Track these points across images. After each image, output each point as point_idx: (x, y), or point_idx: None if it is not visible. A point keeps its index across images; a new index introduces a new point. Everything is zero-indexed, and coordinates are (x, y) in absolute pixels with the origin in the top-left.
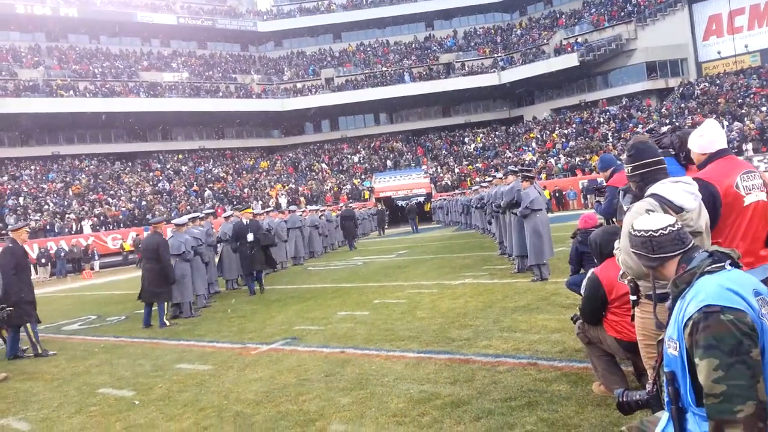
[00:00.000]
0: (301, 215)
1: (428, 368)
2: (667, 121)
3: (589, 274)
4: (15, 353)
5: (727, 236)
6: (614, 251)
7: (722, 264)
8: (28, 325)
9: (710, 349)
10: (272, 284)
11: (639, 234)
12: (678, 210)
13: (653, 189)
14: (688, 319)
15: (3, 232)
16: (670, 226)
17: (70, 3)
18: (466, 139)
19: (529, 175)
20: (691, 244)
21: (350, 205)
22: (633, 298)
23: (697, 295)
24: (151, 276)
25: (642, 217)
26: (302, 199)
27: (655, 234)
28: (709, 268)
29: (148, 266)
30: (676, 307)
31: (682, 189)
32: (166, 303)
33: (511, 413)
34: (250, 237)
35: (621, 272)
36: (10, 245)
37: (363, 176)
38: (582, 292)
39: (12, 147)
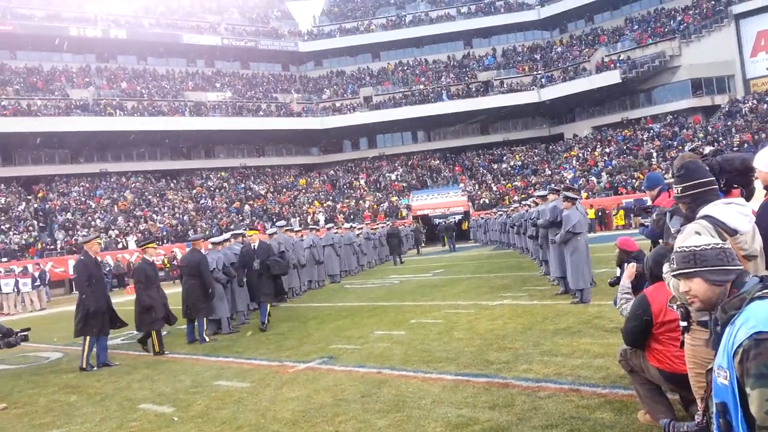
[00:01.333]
0: (337, 232)
1: (466, 392)
2: (715, 138)
3: (638, 295)
4: (104, 361)
5: None
6: (663, 275)
7: None
8: (88, 338)
9: (762, 378)
10: (309, 302)
11: (710, 247)
12: (732, 233)
13: (706, 210)
14: (738, 346)
15: (51, 247)
16: (714, 244)
17: (119, 25)
18: (505, 157)
19: (571, 196)
20: (741, 267)
21: (396, 222)
22: (683, 324)
23: (747, 321)
24: (192, 292)
25: (694, 238)
26: (340, 216)
27: (725, 245)
28: (760, 293)
29: (190, 282)
30: (726, 333)
31: (735, 211)
32: (205, 319)
33: None
34: (255, 264)
35: (671, 297)
36: (83, 258)
37: (400, 194)
38: (628, 312)
39: (62, 164)
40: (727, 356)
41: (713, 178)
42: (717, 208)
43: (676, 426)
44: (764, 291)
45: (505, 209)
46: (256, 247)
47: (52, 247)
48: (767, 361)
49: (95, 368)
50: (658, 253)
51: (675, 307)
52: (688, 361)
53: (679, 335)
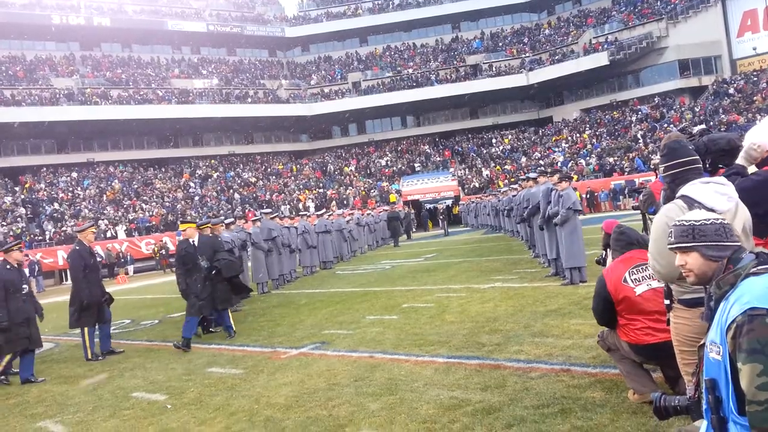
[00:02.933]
0: (329, 218)
1: (458, 374)
2: (702, 118)
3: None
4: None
5: None
6: (649, 252)
7: None
8: (86, 329)
9: (754, 354)
10: (301, 288)
11: (709, 222)
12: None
13: (683, 190)
14: (732, 321)
15: (39, 238)
16: (714, 219)
17: (103, 13)
18: (494, 141)
19: (568, 175)
20: (738, 243)
21: (395, 207)
22: (666, 302)
23: (742, 297)
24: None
25: (695, 212)
26: (333, 204)
27: (725, 221)
28: (755, 269)
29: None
30: (719, 309)
31: (713, 190)
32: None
33: (543, 420)
34: (203, 263)
35: (626, 272)
36: (77, 247)
37: (391, 180)
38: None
39: (48, 154)
40: (720, 331)
41: (695, 157)
42: (694, 188)
43: (668, 399)
44: (759, 267)
45: (496, 192)
46: (196, 244)
47: (40, 238)
48: (760, 336)
49: (101, 357)
50: (615, 231)
51: (630, 281)
52: (673, 338)
53: (640, 308)
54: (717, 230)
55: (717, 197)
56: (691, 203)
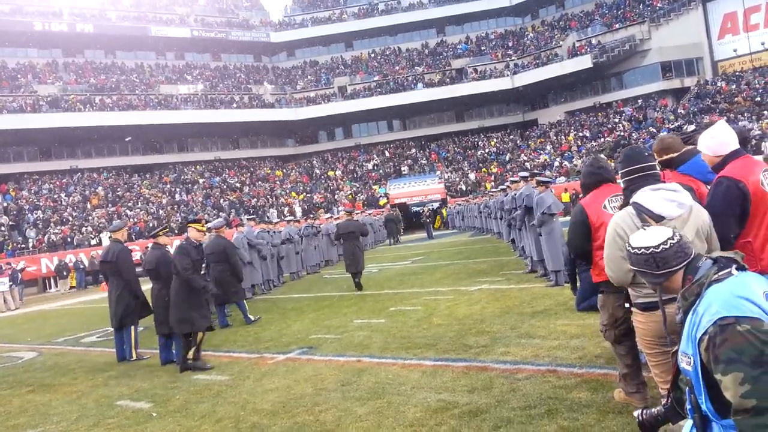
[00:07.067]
0: (315, 224)
1: (445, 376)
2: (684, 121)
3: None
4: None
5: (756, 235)
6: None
7: (728, 270)
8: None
9: (732, 363)
10: (288, 293)
11: (640, 252)
12: (657, 219)
13: (634, 197)
14: (704, 333)
15: (22, 245)
16: (669, 239)
17: (85, 19)
18: (480, 144)
19: (544, 180)
20: (693, 254)
21: (389, 209)
22: (626, 305)
23: (710, 307)
24: (223, 277)
25: (639, 234)
26: (321, 210)
27: (656, 250)
28: (716, 276)
29: (219, 268)
30: (688, 320)
31: (661, 197)
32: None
33: (530, 421)
34: None
35: (606, 200)
36: (185, 242)
37: (377, 183)
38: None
39: (32, 161)
40: (691, 343)
41: (651, 164)
42: (644, 195)
43: (648, 412)
44: (720, 273)
45: (487, 194)
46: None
47: (23, 246)
48: (734, 345)
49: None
50: (593, 165)
51: (609, 208)
52: (638, 341)
53: None
54: (646, 260)
55: (665, 204)
56: (640, 210)
